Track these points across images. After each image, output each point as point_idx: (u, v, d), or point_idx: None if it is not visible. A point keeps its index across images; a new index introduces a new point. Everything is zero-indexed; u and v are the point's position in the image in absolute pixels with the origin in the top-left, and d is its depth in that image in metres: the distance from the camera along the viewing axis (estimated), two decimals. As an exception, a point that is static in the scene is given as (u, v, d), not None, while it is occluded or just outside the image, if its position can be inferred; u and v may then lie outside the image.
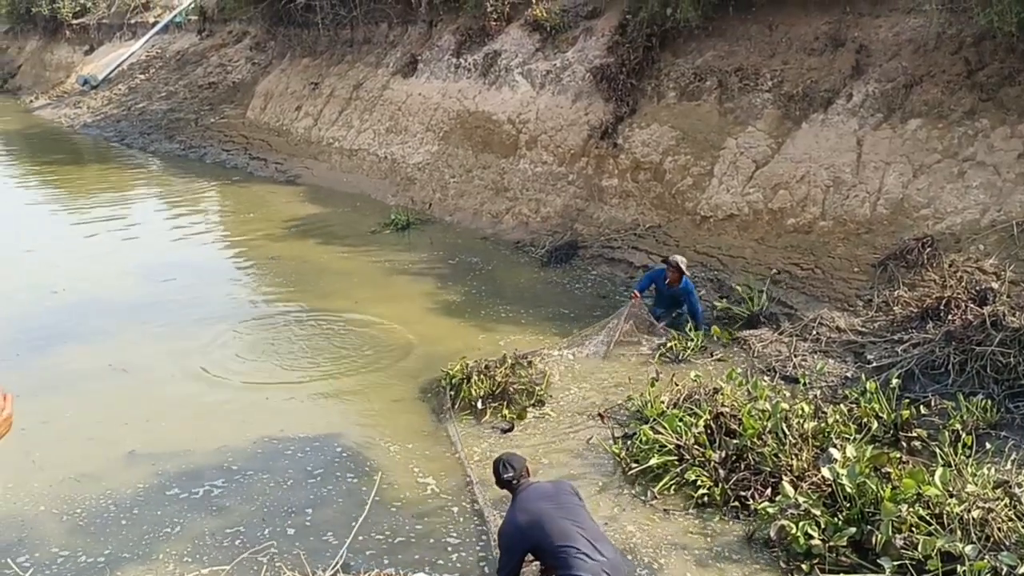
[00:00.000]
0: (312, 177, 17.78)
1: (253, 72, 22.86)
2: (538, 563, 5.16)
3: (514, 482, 5.24)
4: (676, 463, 6.45)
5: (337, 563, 4.99)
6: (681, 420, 6.77)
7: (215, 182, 18.33)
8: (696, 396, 7.18)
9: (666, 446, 6.55)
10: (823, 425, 6.58)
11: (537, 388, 7.77)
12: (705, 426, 6.65)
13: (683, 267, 9.14)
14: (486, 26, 16.05)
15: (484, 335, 9.49)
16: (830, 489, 5.73)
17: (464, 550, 5.81)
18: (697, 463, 6.38)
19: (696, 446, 6.51)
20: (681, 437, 6.60)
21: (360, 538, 5.84)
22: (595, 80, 13.34)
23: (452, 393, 7.79)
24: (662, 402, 7.22)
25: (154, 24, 28.72)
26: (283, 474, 6.86)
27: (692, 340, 8.62)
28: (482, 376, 7.79)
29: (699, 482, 6.20)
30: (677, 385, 7.49)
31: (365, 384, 8.49)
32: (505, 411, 7.54)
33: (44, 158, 22.25)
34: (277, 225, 14.62)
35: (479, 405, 7.59)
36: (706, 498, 6.14)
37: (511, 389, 7.71)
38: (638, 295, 9.19)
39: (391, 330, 9.71)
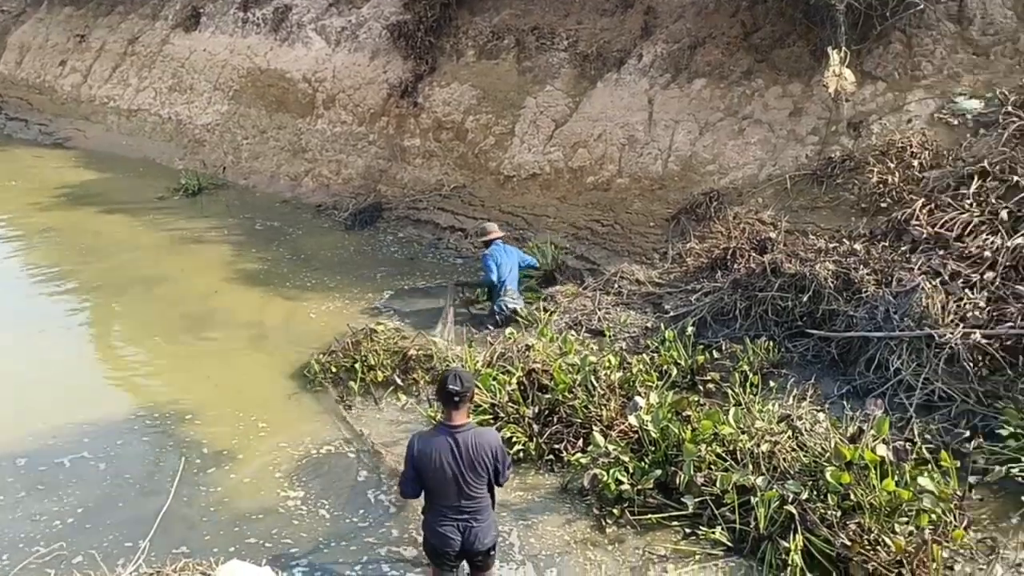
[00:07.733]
0: (85, 140, 16.24)
1: (3, 21, 20.42)
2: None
3: (456, 399, 4.51)
4: (491, 421, 6.52)
5: (139, 558, 4.62)
6: (495, 379, 6.86)
7: (-33, 146, 16.34)
8: (509, 354, 7.29)
9: (481, 405, 6.61)
10: (628, 375, 6.88)
11: (433, 351, 7.54)
12: (518, 383, 6.77)
13: (482, 235, 8.96)
14: (274, -22, 15.22)
15: (292, 303, 9.18)
16: (637, 436, 6.02)
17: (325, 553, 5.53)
18: (512, 420, 6.50)
19: (510, 403, 6.63)
20: (495, 395, 6.69)
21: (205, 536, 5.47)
22: (393, 37, 13.03)
23: (351, 380, 7.34)
24: (476, 362, 7.26)
25: None
26: (109, 461, 6.39)
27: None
28: (384, 353, 7.47)
29: (514, 439, 6.32)
30: (492, 344, 7.56)
31: (191, 358, 8.05)
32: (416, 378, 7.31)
33: None
34: (47, 194, 13.28)
35: (399, 381, 7.29)
36: (522, 453, 6.28)
37: (411, 357, 7.48)
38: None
39: (201, 302, 9.23)
